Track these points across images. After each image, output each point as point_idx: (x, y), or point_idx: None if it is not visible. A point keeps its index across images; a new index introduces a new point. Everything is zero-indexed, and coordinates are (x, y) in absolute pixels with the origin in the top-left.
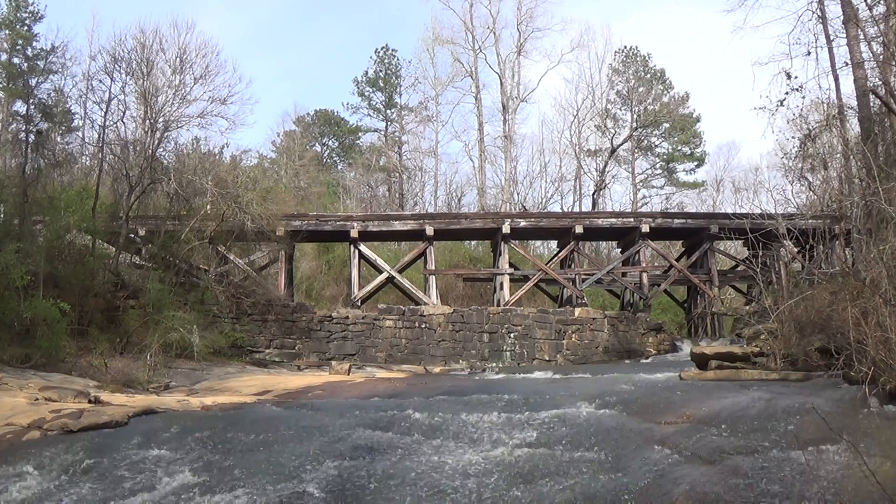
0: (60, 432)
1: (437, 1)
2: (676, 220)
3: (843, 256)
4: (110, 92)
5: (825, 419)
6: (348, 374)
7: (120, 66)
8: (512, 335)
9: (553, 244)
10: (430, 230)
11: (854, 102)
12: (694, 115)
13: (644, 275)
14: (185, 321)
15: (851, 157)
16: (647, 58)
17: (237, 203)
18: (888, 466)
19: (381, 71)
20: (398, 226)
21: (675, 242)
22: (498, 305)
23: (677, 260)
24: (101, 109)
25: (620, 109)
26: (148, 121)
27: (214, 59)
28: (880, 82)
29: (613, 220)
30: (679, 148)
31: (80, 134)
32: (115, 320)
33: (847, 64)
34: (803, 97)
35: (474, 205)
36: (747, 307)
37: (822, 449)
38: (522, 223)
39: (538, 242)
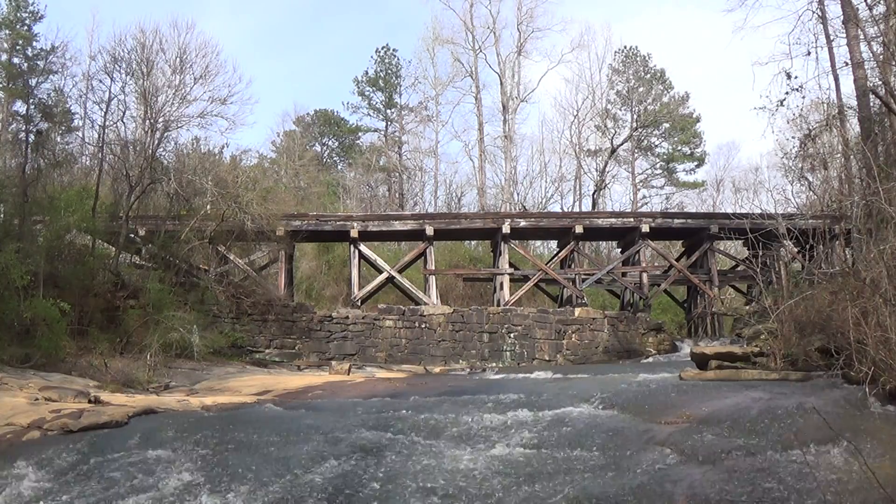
0: (60, 432)
1: (437, 1)
2: (676, 220)
3: (843, 256)
4: (110, 92)
5: (825, 419)
6: (348, 374)
7: (120, 66)
8: (512, 335)
9: (553, 244)
10: (430, 230)
11: (854, 102)
12: (694, 115)
13: (644, 275)
14: (185, 321)
15: (851, 157)
16: (646, 58)
17: (237, 203)
18: (888, 466)
19: (381, 71)
20: (398, 226)
21: (675, 242)
22: (498, 305)
23: (677, 260)
24: (101, 109)
25: (620, 109)
26: (148, 121)
27: (214, 59)
28: (880, 82)
29: (613, 220)
30: (679, 148)
31: (80, 134)
32: (115, 320)
33: (847, 64)
34: (803, 97)
35: (474, 205)
36: (747, 307)
37: (822, 449)
38: (522, 223)
39: (538, 242)
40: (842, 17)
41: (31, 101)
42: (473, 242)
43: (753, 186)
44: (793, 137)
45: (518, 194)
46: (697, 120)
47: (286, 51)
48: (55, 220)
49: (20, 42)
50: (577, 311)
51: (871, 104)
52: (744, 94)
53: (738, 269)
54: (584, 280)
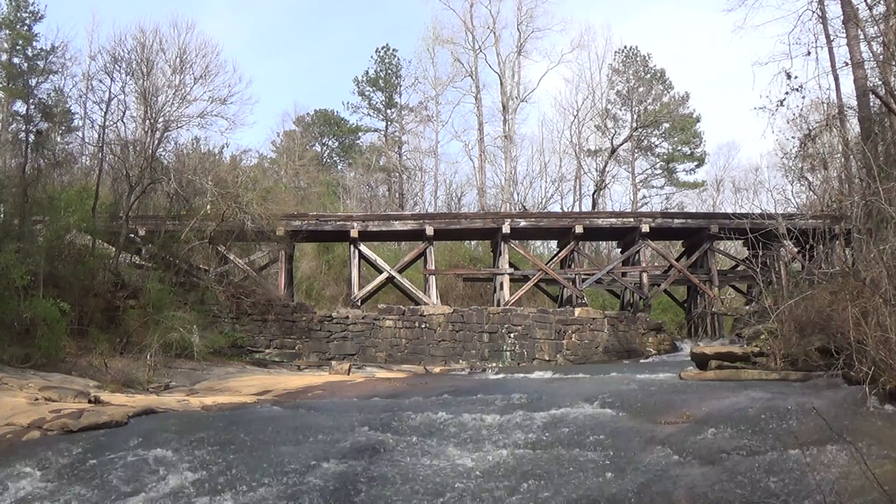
0: (60, 432)
1: (437, 1)
2: (676, 220)
3: (843, 256)
4: (110, 92)
5: (825, 419)
6: (348, 374)
7: (120, 66)
8: (512, 335)
9: (553, 244)
10: (430, 230)
11: (854, 102)
12: (694, 115)
13: (644, 275)
14: (185, 321)
15: (851, 157)
16: (647, 58)
17: (237, 203)
18: (888, 466)
19: (381, 70)
20: (398, 226)
21: (675, 242)
22: (498, 305)
23: (677, 260)
24: (101, 109)
25: (620, 109)
26: (148, 121)
27: (214, 58)
28: (880, 82)
29: (613, 220)
30: (679, 148)
31: (80, 134)
32: (115, 320)
33: (847, 64)
34: (803, 97)
35: (474, 205)
36: (747, 307)
37: (822, 449)
38: (522, 223)
39: (538, 242)
40: (842, 17)
41: (31, 101)
42: (473, 242)
43: (753, 186)
44: (793, 137)
45: (518, 194)
46: (697, 120)
47: (286, 51)
48: (55, 220)
49: (20, 42)
50: (577, 311)
51: (871, 104)
52: (744, 94)
53: (738, 269)
54: (584, 280)
